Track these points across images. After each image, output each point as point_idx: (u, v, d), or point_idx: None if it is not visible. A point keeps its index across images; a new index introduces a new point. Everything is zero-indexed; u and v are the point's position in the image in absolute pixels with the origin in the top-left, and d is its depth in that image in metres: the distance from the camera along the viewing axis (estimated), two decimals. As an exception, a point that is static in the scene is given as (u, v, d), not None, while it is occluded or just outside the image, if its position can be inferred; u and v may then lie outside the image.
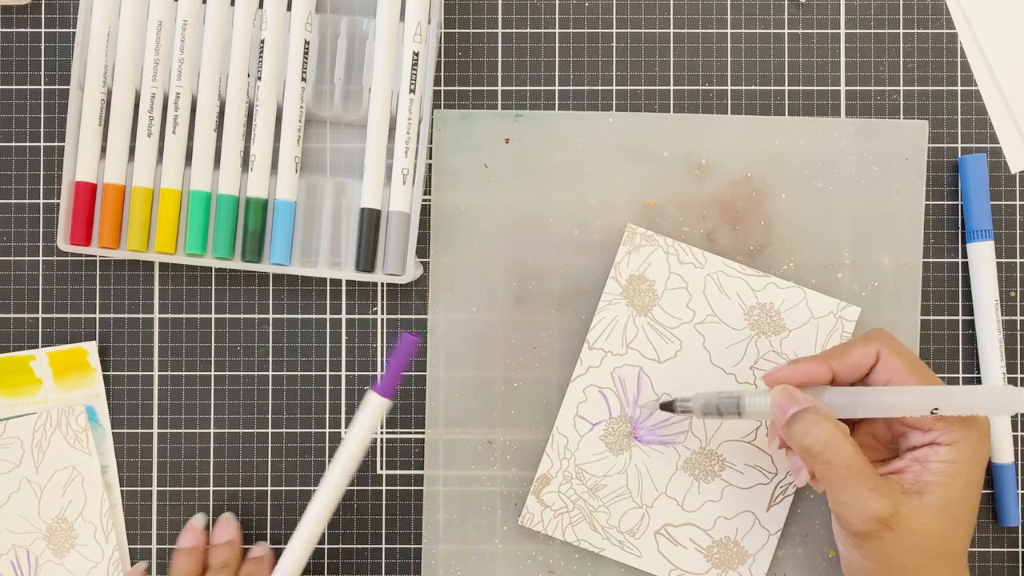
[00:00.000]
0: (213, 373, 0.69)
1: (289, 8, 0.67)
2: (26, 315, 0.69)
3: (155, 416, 0.69)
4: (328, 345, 0.69)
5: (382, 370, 0.69)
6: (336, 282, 0.69)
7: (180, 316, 0.69)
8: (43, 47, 0.69)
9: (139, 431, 0.69)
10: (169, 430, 0.69)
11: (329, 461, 0.68)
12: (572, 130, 0.68)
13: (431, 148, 0.68)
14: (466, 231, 0.69)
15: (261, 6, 0.67)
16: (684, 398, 0.63)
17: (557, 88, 0.69)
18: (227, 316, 0.69)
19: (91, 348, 0.68)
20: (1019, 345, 0.69)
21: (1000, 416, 0.67)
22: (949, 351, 0.69)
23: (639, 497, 0.67)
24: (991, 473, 0.68)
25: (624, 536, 0.67)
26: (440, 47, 0.69)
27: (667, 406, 0.64)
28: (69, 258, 0.69)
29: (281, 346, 0.69)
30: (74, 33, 0.67)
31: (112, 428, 0.68)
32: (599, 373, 0.67)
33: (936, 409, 0.56)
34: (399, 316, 0.68)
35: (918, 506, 0.56)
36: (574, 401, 0.67)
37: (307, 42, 0.67)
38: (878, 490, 0.56)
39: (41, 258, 0.69)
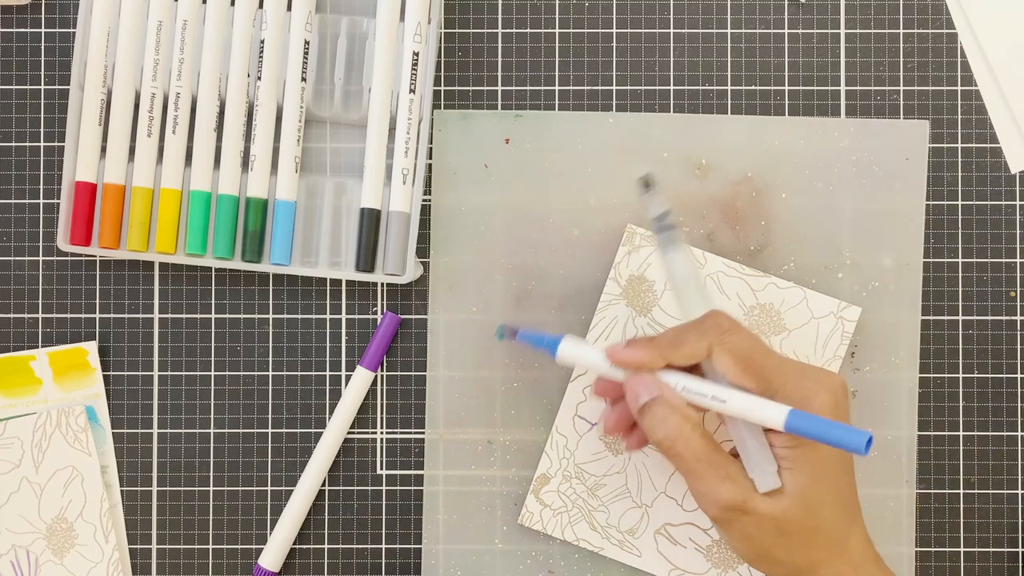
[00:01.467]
0: (213, 373, 0.69)
1: (289, 8, 0.67)
2: (26, 315, 0.69)
3: (155, 416, 0.69)
4: (328, 345, 0.69)
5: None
6: (336, 282, 0.69)
7: (180, 316, 0.69)
8: (43, 47, 0.69)
9: (139, 431, 0.69)
10: (169, 430, 0.69)
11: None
12: (572, 130, 0.68)
13: (431, 148, 0.68)
14: (466, 231, 0.69)
15: (261, 6, 0.67)
16: (654, 189, 0.61)
17: (557, 88, 0.69)
18: (227, 316, 0.69)
19: (91, 348, 0.68)
20: (1019, 345, 0.69)
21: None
22: (949, 351, 0.69)
23: (638, 497, 0.67)
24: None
25: (623, 536, 0.67)
26: (440, 47, 0.69)
27: (644, 183, 0.61)
28: (69, 258, 0.69)
29: (281, 346, 0.69)
30: (74, 33, 0.67)
31: (112, 428, 0.68)
32: (599, 373, 0.67)
33: (743, 416, 0.57)
34: (399, 316, 0.68)
35: (768, 492, 0.57)
36: (573, 401, 0.67)
37: (307, 42, 0.67)
38: (729, 478, 0.57)
39: (41, 258, 0.69)
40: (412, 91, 0.67)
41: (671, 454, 0.58)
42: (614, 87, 0.69)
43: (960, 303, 0.69)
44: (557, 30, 0.69)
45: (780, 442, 0.57)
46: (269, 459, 0.69)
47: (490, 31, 0.69)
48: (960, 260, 0.69)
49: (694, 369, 0.59)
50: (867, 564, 0.59)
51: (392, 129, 0.67)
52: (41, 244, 0.69)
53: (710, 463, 0.57)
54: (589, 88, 0.69)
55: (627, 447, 0.63)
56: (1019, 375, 0.69)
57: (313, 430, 0.69)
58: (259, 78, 0.67)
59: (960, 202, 0.69)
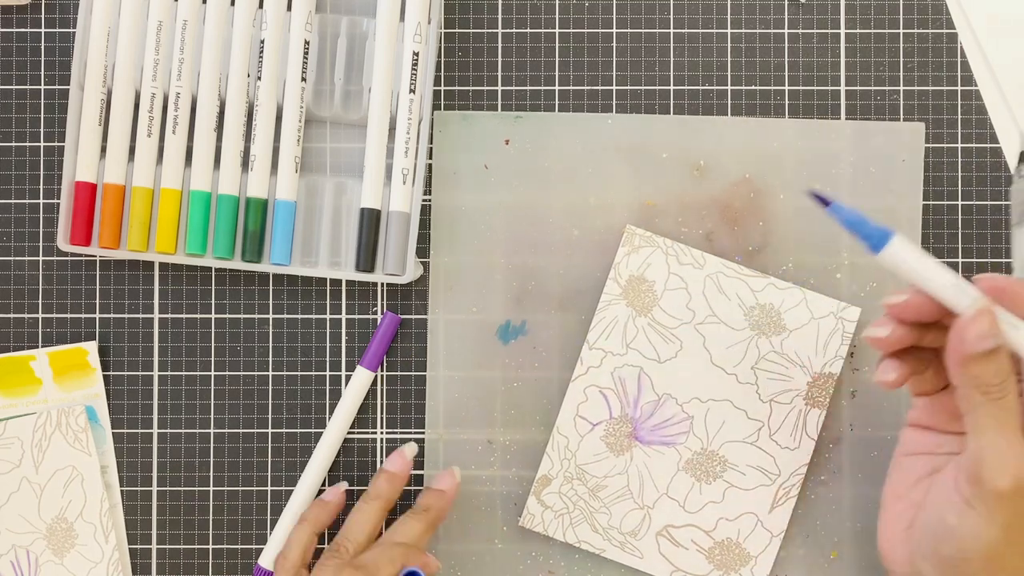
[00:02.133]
0: (213, 373, 0.69)
1: (289, 8, 0.67)
2: (26, 315, 0.69)
3: (155, 416, 0.69)
4: (328, 345, 0.69)
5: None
6: (336, 282, 0.69)
7: (180, 316, 0.69)
8: (43, 47, 0.69)
9: (139, 431, 0.69)
10: (169, 430, 0.69)
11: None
12: (572, 131, 0.69)
13: (431, 148, 0.68)
14: (466, 231, 0.69)
15: (261, 6, 0.67)
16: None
17: (557, 88, 0.69)
18: (227, 316, 0.69)
19: (91, 348, 0.68)
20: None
21: None
22: (949, 351, 0.69)
23: (640, 498, 0.67)
24: None
25: (625, 537, 0.67)
26: (440, 47, 0.69)
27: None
28: (69, 258, 0.69)
29: (281, 346, 0.69)
30: (74, 33, 0.67)
31: (112, 428, 0.68)
32: (599, 373, 0.67)
33: None
34: (399, 316, 0.68)
35: None
36: (574, 401, 0.67)
37: (307, 42, 0.67)
38: None
39: (41, 258, 0.69)
40: (412, 91, 0.67)
41: (993, 403, 0.52)
42: (614, 87, 0.69)
43: (959, 303, 0.69)
44: (557, 30, 0.69)
45: None
46: (269, 459, 0.69)
47: (490, 31, 0.69)
48: (960, 260, 0.69)
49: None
50: None
51: (392, 129, 0.67)
52: (41, 244, 0.69)
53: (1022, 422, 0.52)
54: (589, 88, 0.69)
55: (888, 379, 0.56)
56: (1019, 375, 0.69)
57: (313, 430, 0.69)
58: (259, 78, 0.67)
59: (959, 202, 0.69)
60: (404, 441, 0.69)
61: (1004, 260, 0.69)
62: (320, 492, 0.68)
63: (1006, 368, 0.52)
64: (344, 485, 0.67)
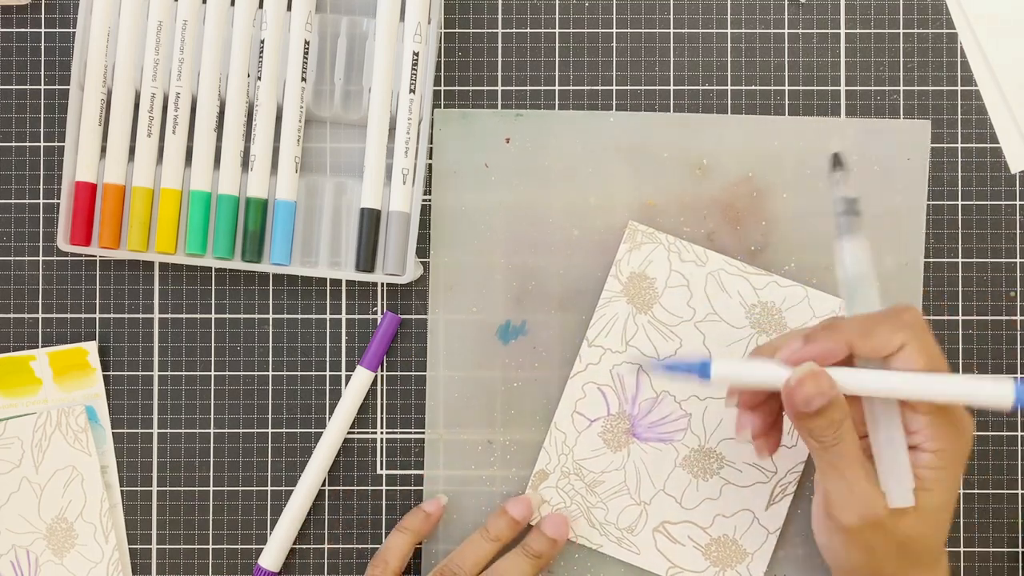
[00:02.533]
0: (213, 373, 0.69)
1: (289, 8, 0.67)
2: (26, 315, 0.69)
3: (155, 416, 0.69)
4: (328, 345, 0.69)
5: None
6: (336, 282, 0.69)
7: (180, 316, 0.69)
8: (43, 47, 0.69)
9: (139, 431, 0.69)
10: (169, 430, 0.69)
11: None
12: (572, 130, 0.69)
13: (431, 148, 0.68)
14: (466, 231, 0.69)
15: (261, 6, 0.67)
16: (845, 168, 0.58)
17: (557, 88, 0.69)
18: (227, 316, 0.69)
19: (91, 348, 0.68)
20: (1019, 345, 0.69)
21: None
22: (949, 351, 0.69)
23: (637, 494, 0.67)
24: None
25: (622, 533, 0.67)
26: (440, 47, 0.69)
27: (835, 161, 0.58)
28: (69, 258, 0.69)
29: (281, 346, 0.69)
30: (74, 33, 0.67)
31: (112, 428, 0.68)
32: (598, 370, 0.67)
33: (957, 398, 0.54)
34: (399, 316, 0.68)
35: (904, 509, 0.56)
36: (572, 397, 0.67)
37: (307, 42, 0.67)
38: (874, 482, 0.55)
39: (41, 258, 0.69)
40: (412, 91, 0.67)
41: (829, 450, 0.56)
42: (614, 87, 0.69)
43: (960, 303, 0.69)
44: (557, 30, 0.69)
45: (922, 462, 0.56)
46: (269, 459, 0.69)
47: (490, 31, 0.69)
48: (960, 260, 0.69)
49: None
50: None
51: (392, 129, 0.67)
52: (41, 244, 0.69)
53: (861, 463, 0.56)
54: (589, 88, 0.69)
55: (761, 451, 0.61)
56: (1019, 375, 0.69)
57: (313, 430, 0.69)
58: (259, 78, 0.67)
59: (960, 202, 0.69)
60: (404, 441, 0.68)
61: (1005, 260, 0.69)
62: (320, 492, 0.68)
63: (837, 419, 0.55)
64: (444, 498, 0.68)
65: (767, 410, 0.60)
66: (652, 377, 0.65)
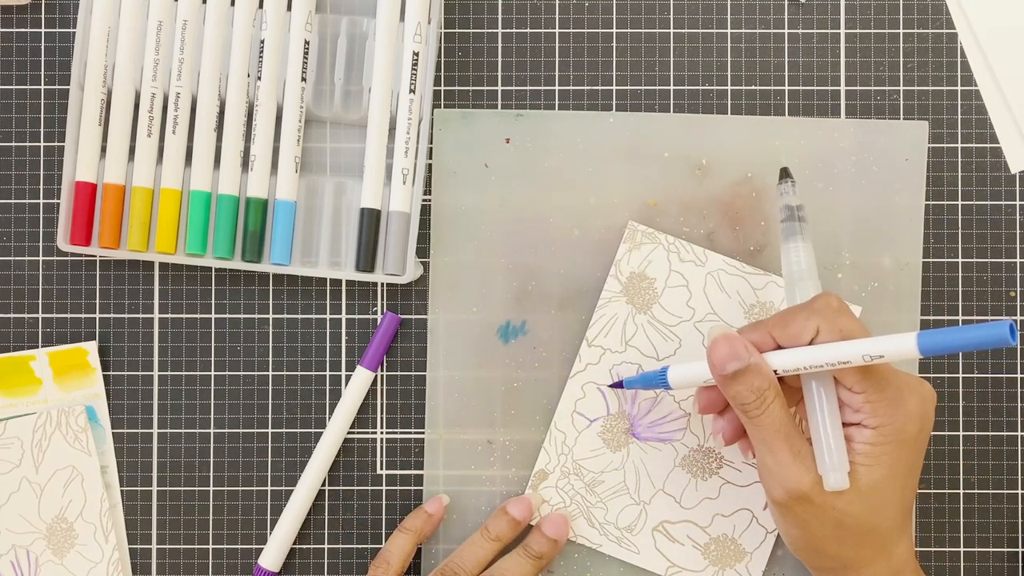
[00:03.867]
0: (213, 373, 0.69)
1: (289, 8, 0.67)
2: (26, 315, 0.69)
3: (155, 416, 0.69)
4: (328, 345, 0.69)
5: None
6: (336, 282, 0.69)
7: (180, 316, 0.69)
8: (43, 47, 0.69)
9: (139, 431, 0.69)
10: (169, 430, 0.69)
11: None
12: (572, 130, 0.69)
13: (431, 148, 0.68)
14: (466, 231, 0.69)
15: (261, 6, 0.67)
16: (789, 183, 0.63)
17: (557, 88, 0.69)
18: (227, 316, 0.69)
19: (91, 348, 0.68)
20: (1019, 345, 0.69)
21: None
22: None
23: (636, 494, 0.67)
24: None
25: (621, 532, 0.67)
26: (440, 47, 0.69)
27: (783, 175, 0.63)
28: (69, 258, 0.69)
29: (281, 346, 0.69)
30: (74, 33, 0.67)
31: (112, 428, 0.68)
32: (598, 370, 0.67)
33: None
34: (399, 316, 0.68)
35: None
36: (572, 397, 0.67)
37: (307, 42, 0.67)
38: (800, 457, 0.57)
39: (41, 258, 0.69)
40: (412, 91, 0.67)
41: (751, 421, 0.57)
42: (614, 87, 0.69)
43: (960, 303, 0.69)
44: (557, 30, 0.69)
45: (863, 438, 0.57)
46: (269, 459, 0.69)
47: (490, 31, 0.69)
48: (960, 260, 0.69)
49: None
50: (908, 572, 0.59)
51: (392, 129, 0.67)
52: (41, 244, 0.69)
53: (787, 437, 0.57)
54: (589, 88, 0.69)
55: (744, 452, 0.63)
56: (1019, 375, 0.69)
57: (313, 430, 0.69)
58: (259, 78, 0.67)
59: (960, 202, 0.69)
60: (404, 441, 0.68)
61: (1005, 260, 0.69)
62: (320, 492, 0.68)
63: (757, 386, 0.57)
64: (445, 498, 0.68)
65: (733, 414, 0.62)
66: (626, 387, 0.66)
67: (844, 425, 0.58)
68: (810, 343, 0.57)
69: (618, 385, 0.66)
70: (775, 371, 0.57)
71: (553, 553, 0.66)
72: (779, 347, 0.58)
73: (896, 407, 0.57)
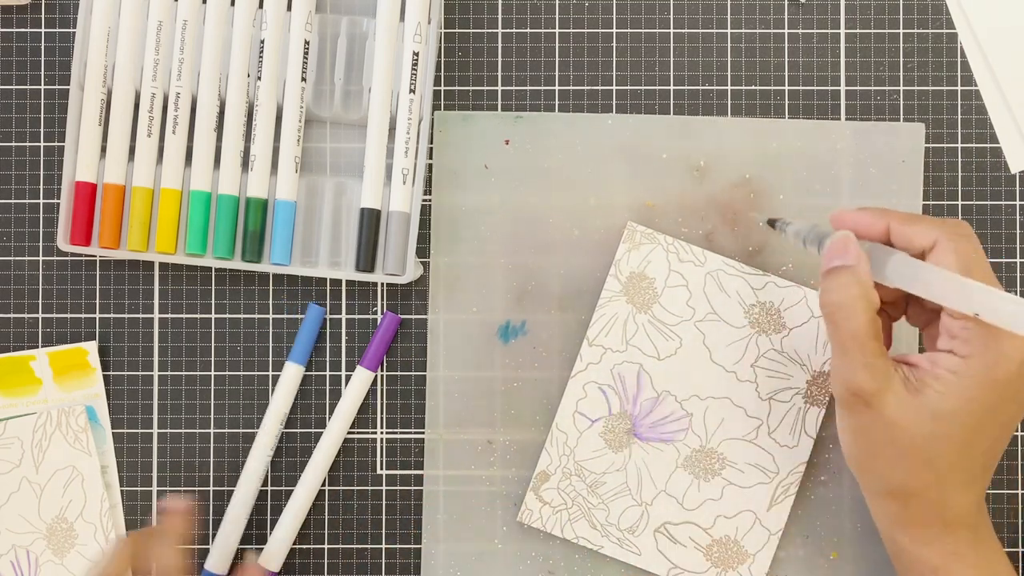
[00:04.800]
0: (213, 373, 0.69)
1: (289, 8, 0.67)
2: (26, 315, 0.69)
3: (155, 416, 0.69)
4: (328, 345, 0.69)
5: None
6: (336, 282, 0.69)
7: (180, 316, 0.69)
8: (43, 47, 0.69)
9: (139, 431, 0.69)
10: (169, 430, 0.69)
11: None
12: (572, 131, 0.69)
13: (431, 148, 0.68)
14: (466, 231, 0.69)
15: (261, 6, 0.67)
16: (785, 220, 0.64)
17: (557, 88, 0.69)
18: (227, 316, 0.69)
19: (91, 348, 0.68)
20: (1019, 345, 0.69)
21: None
22: (949, 351, 0.69)
23: (638, 495, 0.67)
24: None
25: (623, 534, 0.67)
26: (440, 47, 0.69)
27: (771, 223, 0.64)
28: (69, 258, 0.69)
29: (281, 346, 0.69)
30: (74, 33, 0.67)
31: (112, 428, 0.68)
32: (599, 370, 0.67)
33: (978, 313, 0.52)
34: (399, 316, 0.68)
35: (907, 401, 0.55)
36: (573, 397, 0.67)
37: (307, 42, 0.67)
38: (870, 367, 0.55)
39: (41, 258, 0.69)
40: (412, 91, 0.67)
41: (832, 321, 0.57)
42: (614, 87, 0.69)
43: (960, 303, 0.69)
44: (557, 30, 0.69)
45: (949, 365, 0.56)
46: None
47: (490, 31, 0.69)
48: (960, 260, 0.69)
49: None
50: (962, 531, 0.57)
51: (392, 129, 0.67)
52: (41, 244, 0.69)
53: (862, 344, 0.56)
54: (589, 88, 0.69)
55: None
56: None
57: (313, 430, 0.69)
58: (259, 78, 0.67)
59: (960, 202, 0.69)
60: (404, 441, 0.68)
61: (1005, 260, 0.69)
62: (320, 492, 0.68)
63: (852, 294, 0.56)
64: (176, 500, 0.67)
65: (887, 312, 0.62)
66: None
67: (935, 351, 0.57)
68: (922, 255, 0.57)
69: (771, 224, 0.65)
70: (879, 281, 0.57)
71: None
72: (890, 243, 0.58)
73: (993, 343, 0.55)
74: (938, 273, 0.54)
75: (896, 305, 0.62)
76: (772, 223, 0.64)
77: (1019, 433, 0.69)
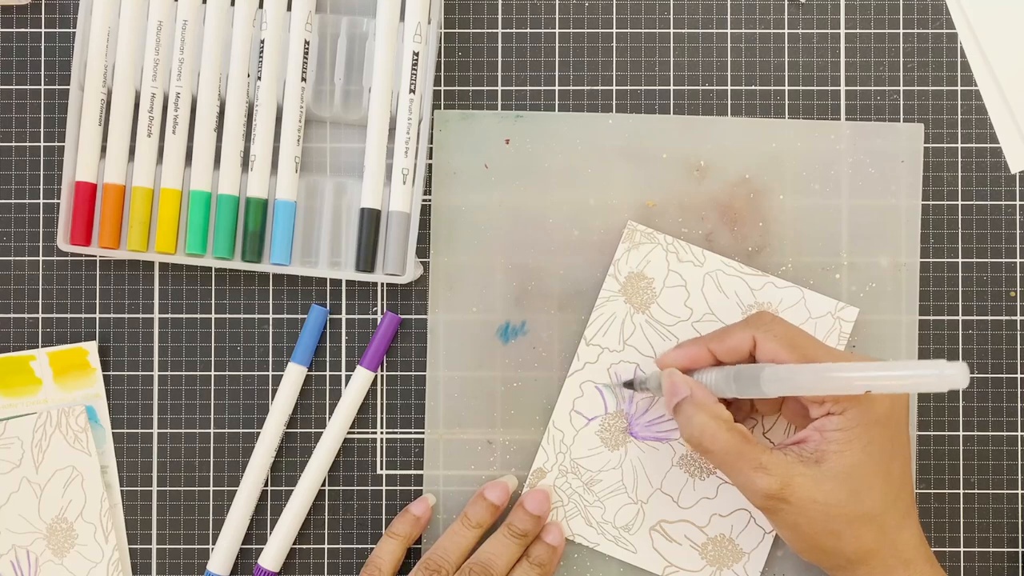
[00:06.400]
0: (213, 373, 0.69)
1: (289, 8, 0.67)
2: (26, 315, 0.69)
3: (155, 416, 0.69)
4: (328, 345, 0.69)
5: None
6: (336, 282, 0.69)
7: (180, 316, 0.69)
8: (43, 47, 0.69)
9: (139, 431, 0.69)
10: (169, 430, 0.69)
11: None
12: (572, 131, 0.69)
13: (431, 148, 0.68)
14: (466, 231, 0.69)
15: (261, 6, 0.67)
16: (641, 379, 0.67)
17: (557, 88, 0.69)
18: (227, 316, 0.69)
19: (91, 348, 0.68)
20: (1019, 345, 0.69)
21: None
22: (949, 351, 0.69)
23: (634, 493, 0.67)
24: None
25: (619, 532, 0.67)
26: (440, 47, 0.69)
27: (629, 384, 0.67)
28: (69, 258, 0.69)
29: (281, 346, 0.69)
30: (74, 33, 0.68)
31: (112, 428, 0.68)
32: (596, 369, 0.67)
33: (869, 389, 0.54)
34: (399, 316, 0.68)
35: (817, 475, 0.57)
36: (570, 396, 0.67)
37: (307, 42, 0.67)
38: (763, 468, 0.57)
39: (41, 258, 0.69)
40: (412, 91, 0.67)
41: (701, 451, 0.59)
42: (614, 87, 0.69)
43: (960, 303, 0.69)
44: (557, 30, 0.69)
45: (832, 425, 0.58)
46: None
47: (490, 31, 0.69)
48: (960, 260, 0.69)
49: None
50: (920, 562, 0.59)
51: (392, 129, 0.67)
52: (41, 244, 0.69)
53: (740, 455, 0.58)
54: (589, 88, 0.69)
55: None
56: (1019, 375, 0.69)
57: (313, 430, 0.69)
58: (259, 78, 0.67)
59: (960, 202, 0.69)
60: (404, 441, 0.69)
61: (1005, 260, 0.69)
62: (320, 492, 0.68)
63: (702, 420, 0.59)
64: (431, 498, 0.68)
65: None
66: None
67: (814, 419, 0.59)
68: (750, 355, 0.60)
69: (629, 386, 0.67)
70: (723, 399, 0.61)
71: (536, 529, 0.66)
72: (719, 362, 0.62)
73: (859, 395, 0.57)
74: (812, 371, 0.56)
75: (771, 404, 0.65)
76: (629, 384, 0.67)
77: (1019, 433, 0.69)
